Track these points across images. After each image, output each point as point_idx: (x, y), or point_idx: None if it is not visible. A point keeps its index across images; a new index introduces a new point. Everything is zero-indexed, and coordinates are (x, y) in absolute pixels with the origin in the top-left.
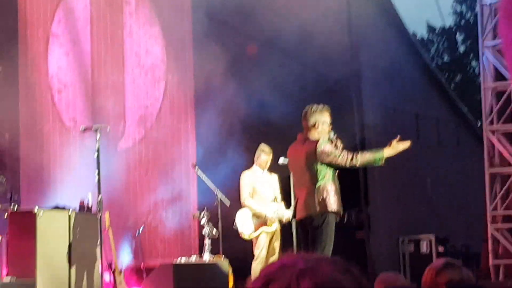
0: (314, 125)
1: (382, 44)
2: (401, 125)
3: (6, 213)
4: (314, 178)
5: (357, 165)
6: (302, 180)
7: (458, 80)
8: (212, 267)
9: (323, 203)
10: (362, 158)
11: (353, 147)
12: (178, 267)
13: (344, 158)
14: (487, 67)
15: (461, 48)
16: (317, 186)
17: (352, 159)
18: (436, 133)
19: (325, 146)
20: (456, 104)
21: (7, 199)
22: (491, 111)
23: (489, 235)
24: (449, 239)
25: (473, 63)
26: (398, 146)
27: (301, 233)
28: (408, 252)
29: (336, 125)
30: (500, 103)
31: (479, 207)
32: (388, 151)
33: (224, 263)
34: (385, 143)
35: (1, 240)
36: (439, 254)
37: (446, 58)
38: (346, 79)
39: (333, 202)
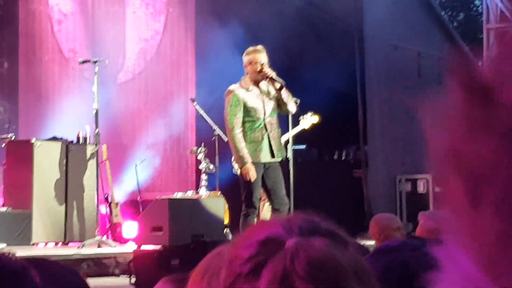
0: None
1: None
2: (403, 63)
3: (4, 143)
4: None
5: (228, 136)
6: None
7: (461, 19)
8: (207, 203)
9: None
10: (236, 143)
11: (354, 86)
12: (173, 202)
13: (227, 118)
14: (490, 7)
15: None
16: None
17: (231, 127)
18: (437, 71)
19: None
20: (458, 42)
21: (5, 129)
22: None
23: None
24: None
25: (477, 1)
26: None
27: None
28: (405, 191)
29: (337, 63)
30: None
31: None
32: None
33: (220, 199)
34: (386, 81)
35: None
36: (435, 194)
37: None
38: (348, 17)
39: None
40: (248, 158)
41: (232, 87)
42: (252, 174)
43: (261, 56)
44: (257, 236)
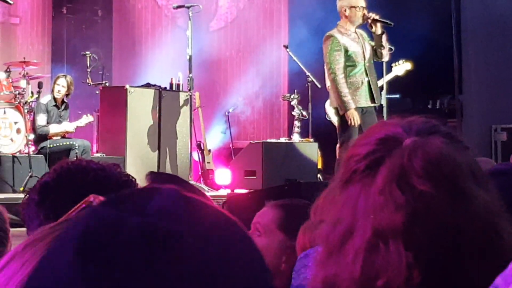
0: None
1: None
2: (501, 9)
3: (98, 90)
4: None
5: (331, 82)
6: None
7: None
8: (300, 146)
9: None
10: (340, 88)
11: (449, 33)
12: (267, 145)
13: (328, 63)
14: None
15: None
16: None
17: (333, 72)
18: None
19: None
20: None
21: (99, 76)
22: None
23: None
24: None
25: None
26: None
27: None
28: (501, 141)
29: (433, 10)
30: None
31: None
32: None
33: (313, 144)
34: (483, 28)
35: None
36: None
37: None
38: None
39: None
40: (352, 104)
41: (331, 32)
42: (356, 119)
43: (362, 0)
44: (376, 134)
